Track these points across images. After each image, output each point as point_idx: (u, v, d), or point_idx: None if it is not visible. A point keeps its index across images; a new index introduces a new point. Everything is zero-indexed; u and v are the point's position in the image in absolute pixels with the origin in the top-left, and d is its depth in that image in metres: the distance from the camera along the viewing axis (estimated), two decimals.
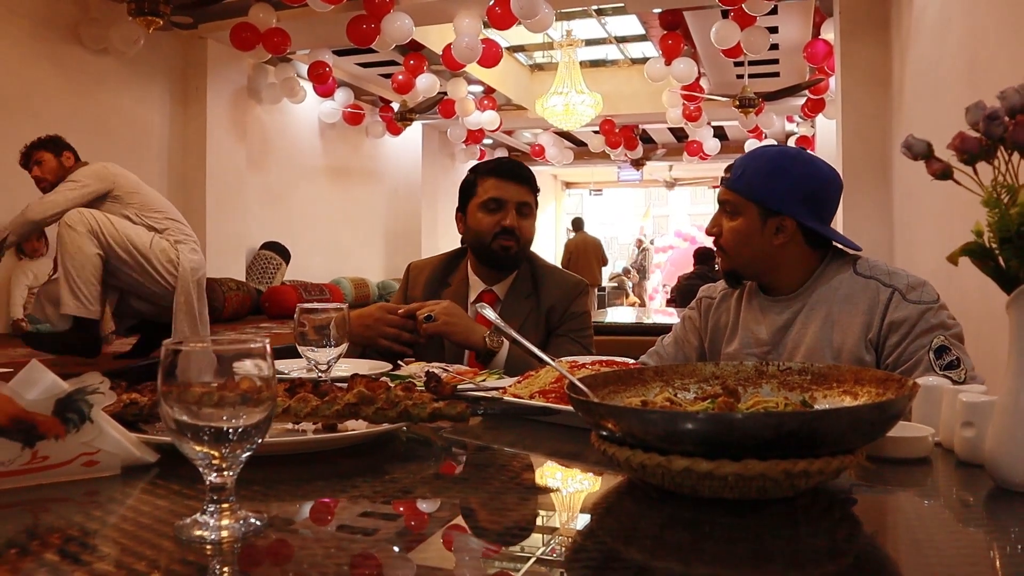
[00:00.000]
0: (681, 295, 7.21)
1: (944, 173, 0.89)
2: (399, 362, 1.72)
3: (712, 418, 0.75)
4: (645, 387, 1.05)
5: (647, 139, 12.78)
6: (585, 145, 11.91)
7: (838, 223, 4.84)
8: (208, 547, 0.70)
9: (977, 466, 0.95)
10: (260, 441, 0.74)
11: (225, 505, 0.73)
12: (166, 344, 0.72)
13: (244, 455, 0.73)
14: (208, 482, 0.73)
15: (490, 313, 1.34)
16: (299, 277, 7.89)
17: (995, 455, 0.87)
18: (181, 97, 6.70)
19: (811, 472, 0.76)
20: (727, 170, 1.71)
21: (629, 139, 11.36)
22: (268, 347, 0.74)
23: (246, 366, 0.73)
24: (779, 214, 1.62)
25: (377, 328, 1.87)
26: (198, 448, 0.72)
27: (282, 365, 1.73)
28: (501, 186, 2.06)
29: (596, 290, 11.85)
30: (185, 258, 3.69)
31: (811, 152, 1.79)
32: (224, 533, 0.71)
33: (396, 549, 0.74)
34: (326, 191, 8.99)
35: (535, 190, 2.13)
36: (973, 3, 3.03)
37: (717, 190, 11.20)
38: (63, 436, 0.89)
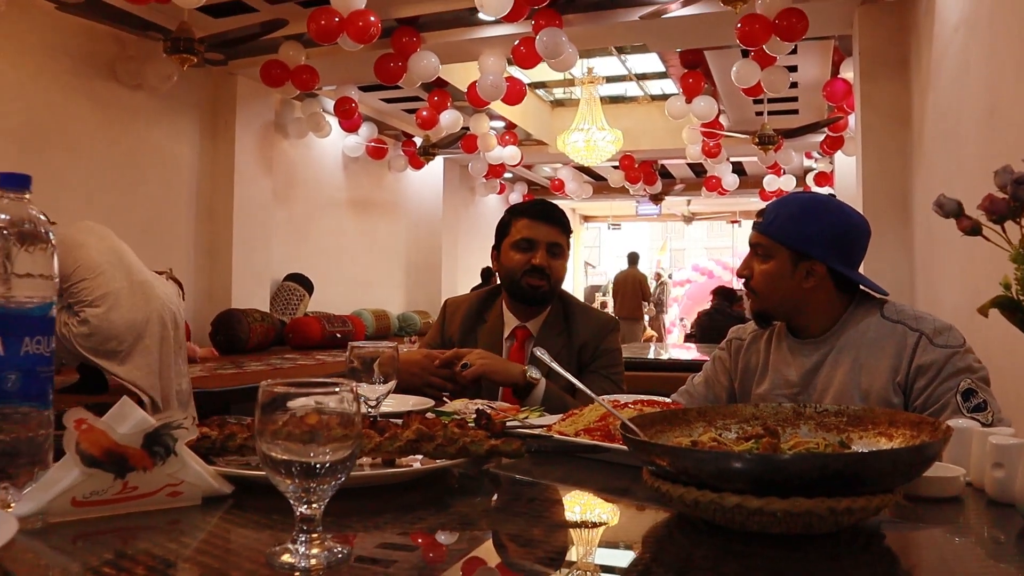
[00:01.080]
0: (701, 330, 7.25)
1: (974, 230, 0.95)
2: (443, 398, 1.78)
3: (762, 459, 0.81)
4: (690, 427, 1.11)
5: (666, 174, 12.88)
6: (605, 180, 12.01)
7: None
8: (297, 574, 0.76)
9: (1008, 505, 1.00)
10: (346, 475, 0.80)
11: (314, 536, 0.79)
12: (263, 386, 0.79)
13: (332, 489, 0.79)
14: (298, 513, 0.79)
15: (544, 355, 1.40)
16: (321, 308, 7.99)
17: None
18: (210, 131, 6.86)
19: (854, 509, 0.81)
20: (759, 214, 1.78)
21: (648, 174, 11.46)
22: (355, 390, 0.80)
23: (333, 406, 0.80)
24: (810, 258, 1.68)
25: (423, 376, 1.94)
26: (289, 482, 0.78)
27: None
28: (533, 226, 2.14)
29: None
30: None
31: (840, 200, 1.85)
32: (313, 561, 0.77)
33: None
34: (348, 224, 9.12)
35: (567, 232, 2.20)
36: (992, 48, 3.10)
37: (735, 225, 11.27)
38: (151, 468, 0.95)
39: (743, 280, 1.80)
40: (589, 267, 20.89)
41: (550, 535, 0.94)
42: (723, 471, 0.82)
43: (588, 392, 1.21)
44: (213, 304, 6.68)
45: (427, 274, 10.59)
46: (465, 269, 10.95)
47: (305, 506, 0.79)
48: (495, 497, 1.12)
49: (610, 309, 12.47)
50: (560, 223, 2.17)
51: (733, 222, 16.81)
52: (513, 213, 2.21)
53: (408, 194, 10.41)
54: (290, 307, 7.49)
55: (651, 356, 4.53)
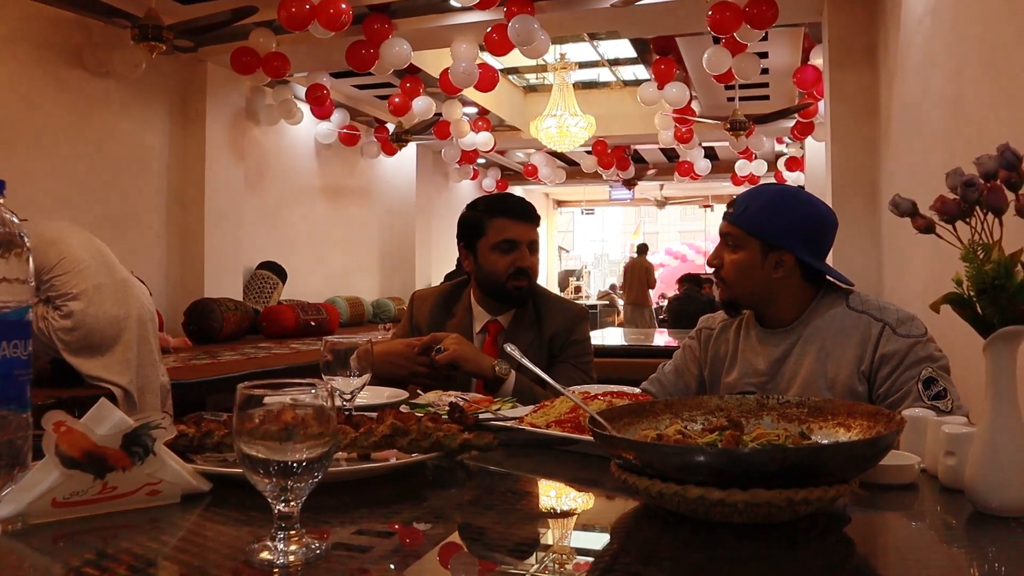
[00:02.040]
0: (672, 315, 7.32)
1: (927, 228, 0.99)
2: (418, 392, 1.81)
3: (724, 453, 0.85)
4: (656, 419, 1.14)
5: (639, 159, 12.94)
6: (578, 165, 12.04)
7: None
8: (276, 570, 0.79)
9: (958, 491, 1.04)
10: (322, 474, 0.82)
11: (292, 532, 0.81)
12: (240, 388, 0.81)
13: (309, 487, 0.82)
14: (276, 511, 0.81)
15: (515, 351, 1.43)
16: (295, 296, 7.96)
17: (974, 482, 0.97)
18: (180, 119, 6.79)
19: (811, 500, 0.85)
20: (730, 204, 1.81)
21: (621, 159, 11.51)
22: (330, 390, 0.82)
23: (308, 406, 0.82)
24: (779, 249, 1.72)
25: (409, 367, 1.96)
26: (267, 481, 0.80)
27: None
28: (514, 227, 2.13)
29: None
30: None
31: (809, 192, 1.89)
32: (291, 558, 0.80)
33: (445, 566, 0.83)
34: (321, 211, 9.08)
35: (538, 225, 2.22)
36: (956, 39, 3.16)
37: (707, 209, 11.35)
38: (130, 468, 0.97)
39: (713, 269, 1.84)
40: (563, 252, 20.95)
41: (521, 525, 0.97)
42: (686, 464, 0.86)
43: (557, 387, 1.24)
44: (185, 293, 6.64)
45: (401, 261, 10.58)
46: (439, 255, 10.94)
47: (283, 504, 0.81)
48: (468, 489, 1.15)
49: (585, 295, 12.48)
50: (536, 219, 2.19)
51: (706, 206, 16.94)
52: (485, 212, 2.16)
53: (381, 180, 10.37)
54: (263, 295, 7.46)
55: (624, 342, 4.58)
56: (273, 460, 0.80)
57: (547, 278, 17.17)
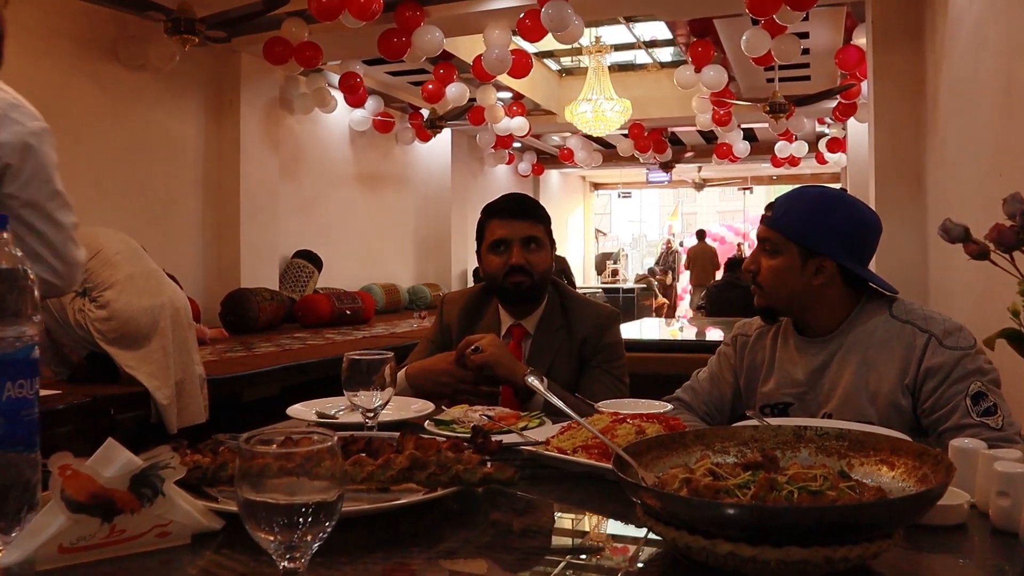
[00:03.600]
0: (711, 303, 7.21)
1: (981, 255, 0.92)
2: (441, 408, 1.76)
3: (756, 510, 0.79)
4: (687, 451, 1.09)
5: (676, 141, 12.75)
6: (614, 148, 11.90)
7: None
8: None
9: (1012, 534, 0.97)
10: (330, 528, 0.78)
11: None
12: (242, 442, 0.77)
13: (315, 543, 0.78)
14: (281, 567, 0.78)
15: (537, 384, 1.38)
16: (331, 284, 7.99)
17: None
18: (215, 110, 6.81)
19: (851, 558, 0.79)
20: (768, 208, 1.74)
21: (658, 142, 11.35)
22: (336, 443, 0.78)
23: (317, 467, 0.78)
24: (820, 255, 1.65)
25: (453, 384, 1.94)
26: (271, 538, 0.76)
27: (330, 404, 1.79)
28: (503, 225, 2.10)
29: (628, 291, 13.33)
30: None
31: (852, 195, 1.81)
32: None
33: None
34: (357, 198, 9.08)
35: (542, 221, 2.15)
36: (1009, 21, 3.02)
37: (746, 191, 11.19)
38: (138, 510, 0.94)
39: (750, 275, 1.77)
40: (600, 235, 20.81)
41: (542, 570, 0.93)
42: (715, 518, 0.81)
43: (581, 421, 1.19)
44: (222, 284, 6.68)
45: (437, 246, 10.56)
46: (474, 241, 10.89)
47: (288, 560, 0.78)
48: (488, 527, 1.10)
49: (623, 279, 12.49)
50: (530, 215, 2.12)
51: (744, 188, 16.67)
52: (485, 214, 2.18)
53: (416, 166, 10.35)
54: (299, 284, 7.49)
55: (659, 336, 4.50)
56: (276, 506, 0.76)
57: (584, 261, 17.06)
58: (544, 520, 1.13)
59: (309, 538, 0.77)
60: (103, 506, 0.92)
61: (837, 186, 14.27)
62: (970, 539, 1.01)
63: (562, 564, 0.96)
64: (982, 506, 1.07)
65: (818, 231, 1.66)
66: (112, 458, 0.94)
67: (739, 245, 17.73)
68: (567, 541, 1.07)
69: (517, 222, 2.11)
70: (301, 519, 0.77)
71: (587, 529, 1.13)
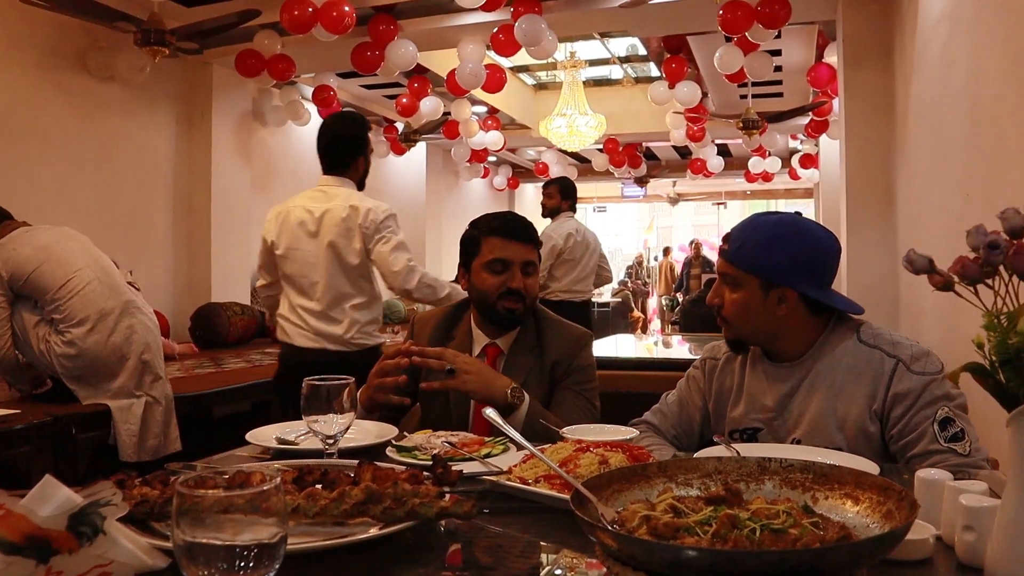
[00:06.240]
0: (685, 318, 7.22)
1: (945, 286, 0.91)
2: (404, 433, 1.73)
3: (714, 554, 0.77)
4: (649, 484, 1.06)
5: (651, 156, 12.81)
6: (589, 162, 11.92)
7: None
8: None
9: (978, 569, 0.96)
10: (273, 572, 0.75)
11: None
12: (178, 485, 0.74)
13: None
14: None
15: (495, 417, 1.35)
16: None
17: (995, 567, 0.88)
18: (186, 122, 6.73)
19: None
20: (724, 240, 1.72)
21: (633, 157, 11.39)
22: (279, 484, 0.75)
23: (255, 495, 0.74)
24: (780, 285, 1.63)
25: (371, 384, 1.89)
26: None
27: (289, 428, 1.75)
28: (506, 246, 2.05)
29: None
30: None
31: (807, 219, 1.80)
32: None
33: None
34: None
35: (539, 245, 2.14)
36: (975, 45, 3.05)
37: (720, 206, 11.25)
38: (77, 550, 0.90)
39: (714, 308, 1.76)
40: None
41: None
42: (673, 561, 0.78)
43: (535, 451, 1.16)
44: (192, 298, 6.58)
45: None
46: (450, 254, 10.86)
47: None
48: (444, 563, 1.07)
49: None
50: (533, 239, 2.11)
51: (719, 203, 16.78)
52: (481, 230, 2.11)
53: (391, 180, 10.30)
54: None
55: (633, 354, 4.49)
56: (217, 551, 0.72)
57: None
58: (504, 554, 1.09)
59: None
60: (39, 547, 0.88)
61: (810, 202, 14.43)
62: (936, 574, 0.99)
63: None
64: (948, 539, 1.05)
65: (776, 262, 1.64)
66: (49, 496, 0.90)
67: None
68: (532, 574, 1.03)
69: (520, 245, 2.07)
70: (242, 562, 0.74)
71: (548, 563, 1.10)
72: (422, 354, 1.90)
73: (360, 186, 3.46)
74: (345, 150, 3.42)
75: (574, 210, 5.96)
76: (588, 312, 5.89)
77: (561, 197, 5.85)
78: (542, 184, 6.33)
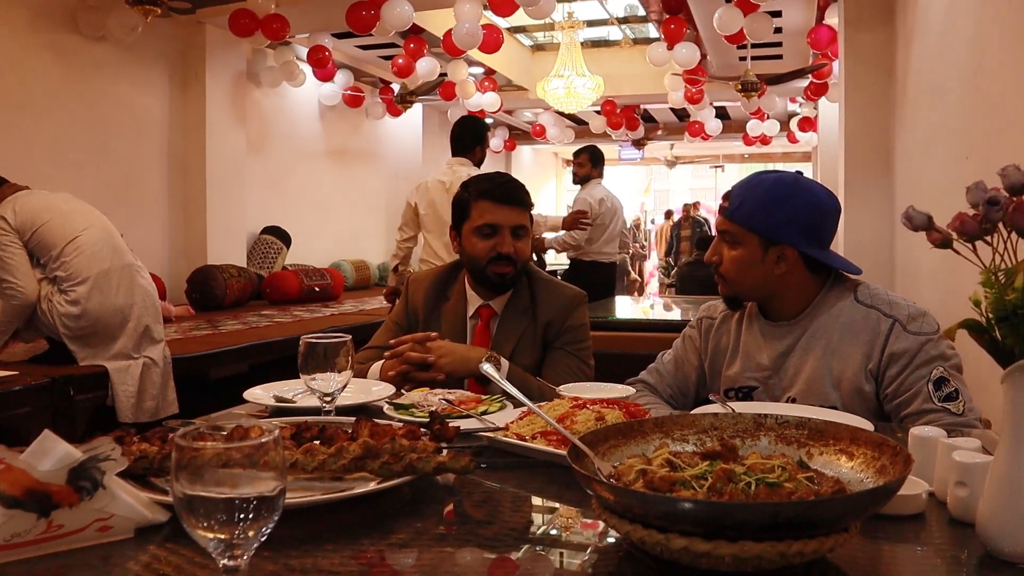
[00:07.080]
0: (682, 281, 7.22)
1: (944, 243, 0.90)
2: (401, 391, 1.73)
3: (710, 506, 0.78)
4: (646, 439, 1.07)
5: (648, 118, 12.72)
6: (586, 124, 11.85)
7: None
8: None
9: (969, 524, 0.97)
10: (272, 524, 0.76)
11: None
12: (177, 439, 0.74)
13: (256, 540, 0.75)
14: (222, 565, 0.75)
15: (492, 372, 1.36)
16: (302, 261, 7.89)
17: (986, 523, 0.89)
18: (180, 82, 6.65)
19: (806, 552, 0.78)
20: (724, 197, 1.72)
21: (631, 119, 11.31)
22: (278, 438, 0.75)
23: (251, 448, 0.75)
24: (780, 243, 1.63)
25: (400, 375, 1.90)
26: (209, 535, 0.73)
27: (288, 387, 1.75)
28: (496, 210, 2.04)
29: None
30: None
31: (808, 178, 1.79)
32: None
33: None
34: (326, 174, 8.96)
35: (528, 208, 2.12)
36: (979, 10, 3.01)
37: (718, 169, 11.23)
38: (77, 504, 0.91)
39: (712, 266, 1.75)
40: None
41: (495, 564, 0.91)
42: (669, 514, 0.79)
43: (535, 409, 1.17)
44: (188, 260, 6.57)
45: None
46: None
47: (228, 558, 0.75)
48: (442, 517, 1.08)
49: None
50: (523, 203, 2.09)
51: (716, 166, 16.71)
52: (472, 193, 2.09)
53: (387, 142, 10.23)
54: (267, 261, 7.39)
55: (629, 316, 4.49)
56: (215, 502, 0.73)
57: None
58: (500, 509, 1.11)
59: (251, 534, 0.75)
60: (39, 501, 0.89)
61: (808, 166, 14.36)
62: (928, 528, 1.01)
63: (517, 555, 0.95)
64: (940, 495, 1.06)
65: (776, 220, 1.64)
66: (48, 450, 0.90)
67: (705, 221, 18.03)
68: (522, 532, 1.04)
69: (509, 208, 2.05)
70: (241, 514, 0.74)
71: (543, 519, 1.11)
72: (408, 360, 1.89)
73: (478, 167, 4.44)
74: (469, 140, 4.51)
75: (602, 176, 6.28)
76: (613, 273, 6.35)
77: (592, 165, 6.21)
78: (572, 153, 6.59)
